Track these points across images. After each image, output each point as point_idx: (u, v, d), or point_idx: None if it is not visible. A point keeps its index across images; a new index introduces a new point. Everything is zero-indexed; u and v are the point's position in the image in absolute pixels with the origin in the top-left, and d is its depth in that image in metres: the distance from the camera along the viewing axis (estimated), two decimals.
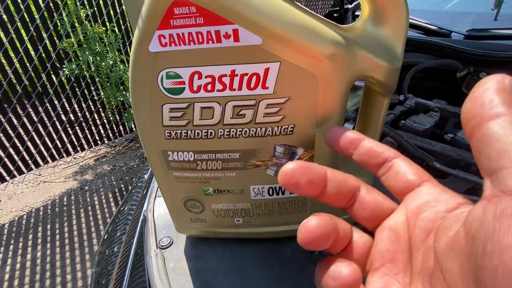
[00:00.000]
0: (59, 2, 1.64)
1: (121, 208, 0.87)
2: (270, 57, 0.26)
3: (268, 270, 0.40)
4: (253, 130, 0.31)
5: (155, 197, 0.58)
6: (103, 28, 1.78)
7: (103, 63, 1.76)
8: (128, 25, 2.03)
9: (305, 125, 0.31)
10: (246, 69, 0.27)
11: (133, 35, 0.28)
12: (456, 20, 1.10)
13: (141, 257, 0.47)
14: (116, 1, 2.01)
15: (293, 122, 0.31)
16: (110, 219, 0.87)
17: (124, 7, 1.83)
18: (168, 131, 0.31)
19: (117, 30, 1.95)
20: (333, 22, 0.28)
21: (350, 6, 1.48)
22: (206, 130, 0.31)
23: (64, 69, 1.74)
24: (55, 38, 1.81)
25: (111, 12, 1.98)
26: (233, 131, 0.31)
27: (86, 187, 2.23)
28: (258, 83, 0.27)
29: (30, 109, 1.93)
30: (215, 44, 0.25)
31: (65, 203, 2.08)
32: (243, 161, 0.33)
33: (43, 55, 1.79)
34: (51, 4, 1.61)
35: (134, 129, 2.65)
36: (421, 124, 0.69)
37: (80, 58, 1.76)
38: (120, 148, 2.72)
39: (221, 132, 0.31)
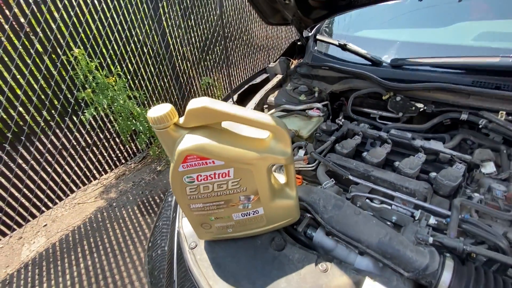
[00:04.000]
0: (72, 60, 1.98)
1: (157, 224, 1.25)
2: (229, 166, 0.62)
3: (248, 253, 0.77)
4: (228, 192, 0.67)
5: (182, 217, 0.96)
6: (113, 79, 2.12)
7: (115, 104, 2.12)
8: (130, 66, 2.38)
9: (252, 186, 0.67)
10: (220, 171, 0.63)
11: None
12: (386, 49, 1.41)
13: (181, 255, 0.85)
14: (116, 48, 2.34)
15: (245, 186, 0.67)
16: (150, 232, 1.25)
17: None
18: (189, 197, 0.68)
19: (120, 72, 2.30)
20: (256, 138, 0.64)
21: (310, 34, 1.79)
22: (206, 194, 0.67)
23: (85, 113, 2.11)
24: (71, 86, 2.16)
25: (113, 56, 2.32)
26: (219, 193, 0.67)
27: (114, 204, 2.64)
28: (226, 175, 0.63)
29: (60, 147, 2.31)
30: (206, 165, 0.61)
31: (99, 219, 2.49)
32: (226, 204, 0.70)
33: (65, 103, 2.15)
34: (67, 65, 1.95)
35: (146, 148, 3.03)
36: (346, 148, 1.04)
37: (95, 101, 2.12)
38: (136, 165, 3.12)
39: (213, 194, 0.67)
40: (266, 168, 0.65)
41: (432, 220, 0.76)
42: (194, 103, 0.58)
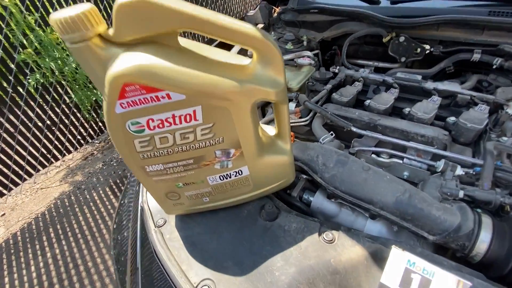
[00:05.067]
0: (3, 13, 1.58)
1: (122, 202, 1.04)
2: (194, 103, 0.41)
3: (232, 226, 0.60)
4: (197, 145, 0.47)
5: (146, 191, 0.76)
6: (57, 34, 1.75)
7: (66, 68, 1.77)
8: None
9: (231, 135, 0.47)
10: (181, 112, 0.42)
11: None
12: None
13: (146, 236, 0.66)
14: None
15: (222, 135, 0.47)
16: (115, 212, 1.05)
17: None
18: (142, 155, 0.47)
19: None
20: (234, 64, 0.43)
21: None
22: (166, 150, 0.47)
23: (29, 80, 1.75)
24: (9, 49, 1.78)
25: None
26: (184, 147, 0.47)
27: (83, 186, 2.37)
28: (191, 118, 0.43)
29: (6, 124, 1.96)
30: (157, 102, 0.40)
31: (66, 204, 2.23)
32: (197, 164, 0.50)
33: (3, 69, 1.78)
34: None
35: None
36: (345, 96, 0.86)
37: (42, 66, 1.76)
38: (105, 144, 2.81)
39: (176, 149, 0.47)
40: (250, 106, 0.45)
41: (459, 171, 0.61)
42: None
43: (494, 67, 0.89)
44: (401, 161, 0.72)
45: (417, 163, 0.70)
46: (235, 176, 0.55)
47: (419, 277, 0.39)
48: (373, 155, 0.76)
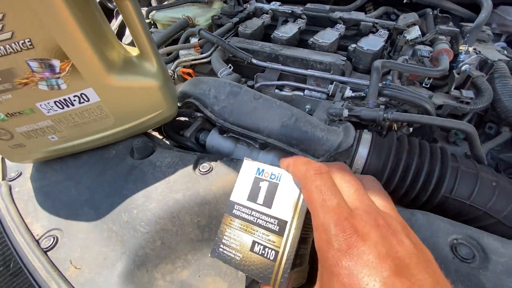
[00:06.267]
0: None
1: None
2: None
3: (94, 169, 0.50)
4: None
5: None
6: None
7: None
8: None
9: (42, 37, 0.35)
10: None
11: None
12: None
13: None
14: None
15: (27, 36, 0.35)
16: None
17: None
18: None
19: None
20: None
21: None
22: None
23: None
24: None
25: None
26: None
27: None
28: None
29: None
30: None
31: None
32: (8, 82, 0.38)
33: None
34: None
35: None
36: (250, 27, 0.77)
37: None
38: None
39: None
40: None
41: (349, 92, 0.58)
42: None
43: (405, 1, 0.87)
44: (302, 94, 0.68)
45: (317, 94, 0.66)
46: (80, 102, 0.44)
47: (266, 183, 0.34)
48: (276, 90, 0.70)
